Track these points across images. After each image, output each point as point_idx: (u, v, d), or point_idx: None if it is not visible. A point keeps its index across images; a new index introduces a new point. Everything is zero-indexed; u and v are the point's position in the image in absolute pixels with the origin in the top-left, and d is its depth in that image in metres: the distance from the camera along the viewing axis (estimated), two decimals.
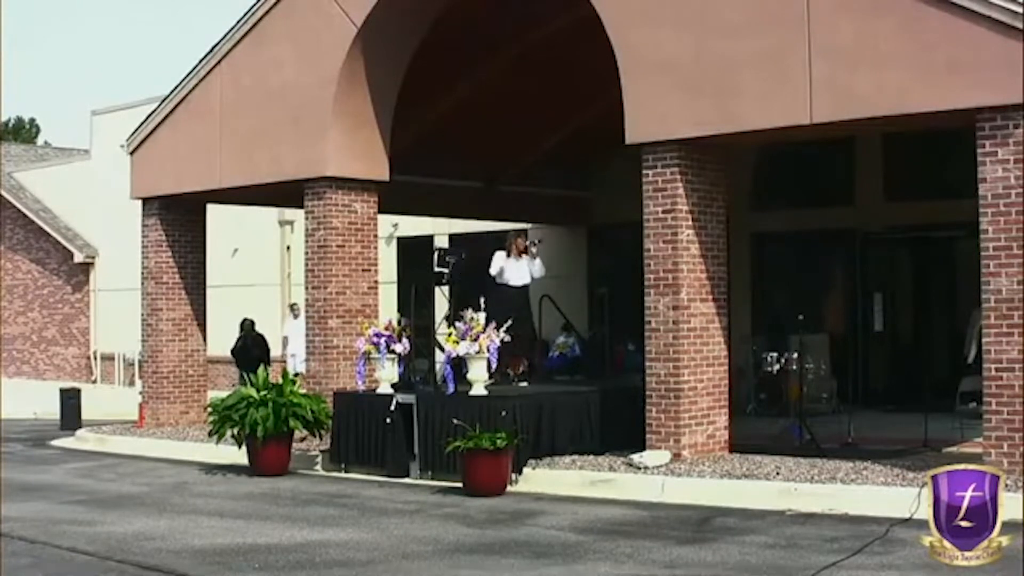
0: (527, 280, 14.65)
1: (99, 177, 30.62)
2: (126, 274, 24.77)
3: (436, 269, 16.22)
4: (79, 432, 19.84)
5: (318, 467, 14.76)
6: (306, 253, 16.67)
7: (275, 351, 22.69)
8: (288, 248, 26.34)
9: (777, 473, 11.93)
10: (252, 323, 21.19)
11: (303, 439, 15.05)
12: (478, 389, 13.37)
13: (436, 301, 17.07)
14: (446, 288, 17.06)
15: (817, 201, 19.51)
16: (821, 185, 19.56)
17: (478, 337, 13.22)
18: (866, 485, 11.19)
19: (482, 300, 13.78)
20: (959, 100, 11.28)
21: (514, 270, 14.58)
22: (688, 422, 13.07)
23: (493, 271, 14.67)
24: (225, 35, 17.48)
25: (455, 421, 12.75)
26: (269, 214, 24.93)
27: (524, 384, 14.63)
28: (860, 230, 19.05)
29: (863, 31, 11.82)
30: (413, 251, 24.34)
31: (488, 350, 13.25)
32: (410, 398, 13.80)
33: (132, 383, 28.47)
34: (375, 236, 16.91)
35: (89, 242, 32.37)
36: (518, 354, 14.99)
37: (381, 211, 16.93)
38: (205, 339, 19.37)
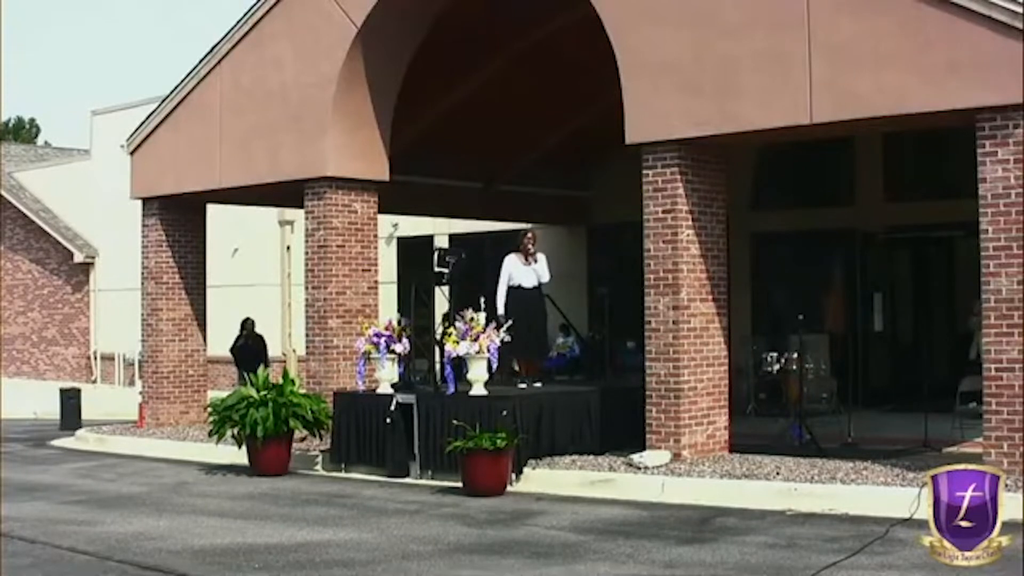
0: (535, 282, 14.62)
1: (99, 177, 30.63)
2: (126, 274, 24.78)
3: (436, 269, 16.20)
4: (79, 432, 19.84)
5: (318, 467, 14.76)
6: (306, 253, 16.68)
7: (276, 351, 22.71)
8: (288, 248, 26.35)
9: (777, 473, 11.92)
10: (253, 323, 21.22)
11: (303, 439, 15.05)
12: (478, 389, 13.37)
13: (436, 301, 17.04)
14: (446, 288, 17.05)
15: (817, 201, 19.51)
16: (821, 185, 19.56)
17: (478, 337, 13.22)
18: (866, 485, 11.19)
19: (482, 300, 13.77)
20: (959, 100, 11.28)
21: (523, 273, 14.56)
22: (688, 422, 13.06)
23: (500, 291, 14.54)
24: (225, 35, 17.49)
25: (455, 421, 12.76)
26: (269, 214, 24.94)
27: (539, 384, 14.60)
28: (860, 230, 19.04)
29: (863, 31, 11.82)
30: (413, 251, 24.35)
31: (488, 350, 13.25)
32: (410, 398, 13.81)
33: (132, 383, 28.48)
34: (375, 236, 16.91)
35: (89, 242, 32.38)
36: (531, 357, 15.01)
37: (381, 211, 16.93)
38: (205, 339, 19.37)
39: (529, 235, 14.97)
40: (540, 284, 14.67)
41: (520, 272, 14.55)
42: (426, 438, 13.47)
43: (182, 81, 18.10)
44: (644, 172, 13.27)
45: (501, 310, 14.27)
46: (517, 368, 15.13)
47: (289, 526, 10.88)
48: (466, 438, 12.42)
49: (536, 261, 14.58)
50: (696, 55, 12.93)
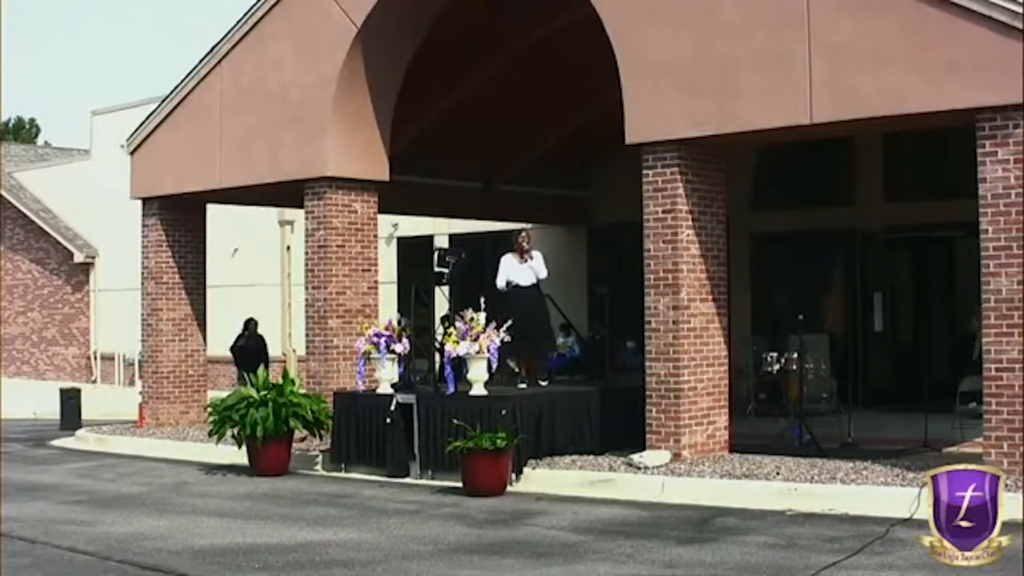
0: (532, 280, 14.62)
1: (99, 177, 30.63)
2: (126, 274, 24.78)
3: (436, 269, 16.21)
4: (79, 432, 19.84)
5: (318, 467, 14.76)
6: (306, 253, 16.67)
7: (276, 351, 22.70)
8: (288, 248, 26.34)
9: (777, 473, 11.92)
10: (257, 324, 21.22)
11: (303, 439, 15.05)
12: (478, 389, 13.37)
13: (436, 301, 17.05)
14: (446, 288, 17.05)
15: (817, 201, 19.51)
16: (821, 185, 19.56)
17: (478, 337, 13.22)
18: (866, 485, 11.19)
19: (482, 300, 13.77)
20: (959, 100, 11.28)
21: (519, 271, 14.57)
22: (688, 422, 13.06)
23: (500, 281, 14.57)
24: (225, 35, 17.49)
25: (455, 421, 12.76)
26: (269, 214, 24.94)
27: (545, 383, 14.59)
28: (860, 230, 19.05)
29: (863, 31, 11.82)
30: (413, 251, 24.35)
31: (488, 350, 13.25)
32: (410, 398, 13.81)
33: (132, 383, 28.48)
34: (375, 236, 16.91)
35: (89, 242, 32.38)
36: (532, 357, 15.00)
37: (381, 211, 16.93)
38: (205, 339, 19.36)
39: (523, 234, 14.99)
40: (538, 282, 14.68)
41: (516, 271, 14.56)
42: (426, 438, 13.47)
43: (182, 81, 18.10)
44: (644, 172, 13.27)
45: (502, 284, 14.33)
46: (518, 369, 15.13)
47: (289, 526, 10.88)
48: (466, 438, 12.42)
49: (531, 259, 14.58)
50: (696, 55, 12.93)
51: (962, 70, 11.23)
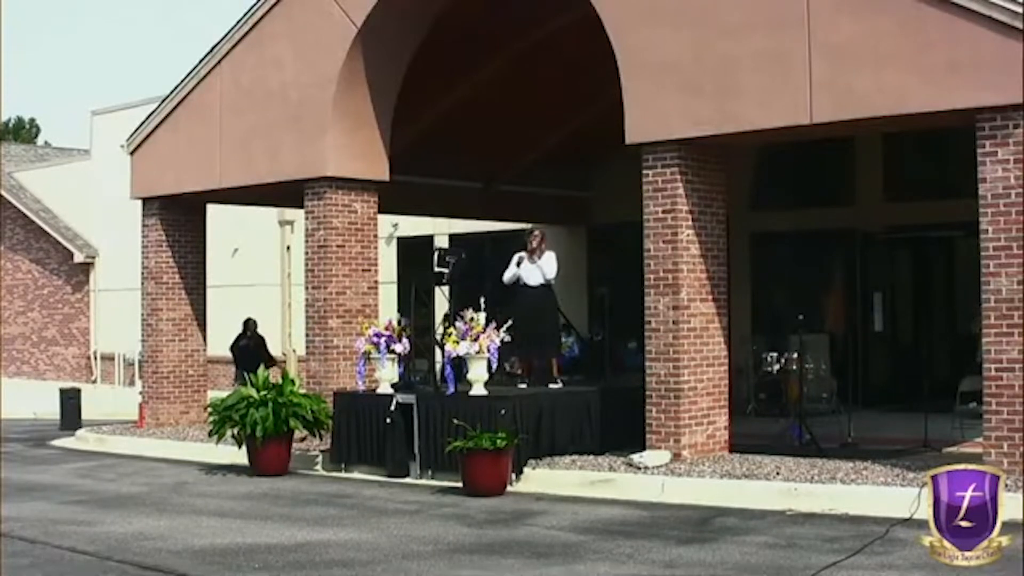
0: (540, 280, 14.57)
1: (99, 177, 30.63)
2: (126, 274, 24.78)
3: (436, 269, 16.21)
4: (79, 432, 19.84)
5: (318, 467, 14.76)
6: (306, 253, 16.68)
7: (276, 351, 22.69)
8: (288, 248, 26.34)
9: (777, 473, 11.93)
10: (256, 323, 21.21)
11: (303, 439, 15.06)
12: (478, 389, 13.37)
13: (436, 301, 17.04)
14: (446, 288, 17.05)
15: (817, 201, 19.51)
16: (821, 185, 19.57)
17: (478, 337, 13.22)
18: (866, 485, 11.19)
19: (482, 300, 13.77)
20: (959, 100, 11.28)
21: (528, 271, 14.55)
22: (688, 422, 13.07)
23: (507, 276, 14.58)
24: (225, 35, 17.49)
25: (455, 421, 12.76)
26: (269, 214, 24.93)
27: (558, 385, 14.53)
28: (860, 230, 19.05)
29: (863, 31, 11.82)
30: (413, 251, 24.34)
31: (488, 350, 13.25)
32: (410, 398, 13.81)
33: (132, 383, 28.47)
34: (375, 236, 16.91)
35: (89, 242, 32.38)
36: (533, 357, 14.97)
37: (381, 211, 16.93)
38: (205, 339, 19.37)
39: (535, 233, 14.98)
40: (546, 281, 14.62)
41: (526, 270, 14.55)
42: (426, 438, 13.47)
43: (182, 81, 18.10)
44: (644, 172, 13.27)
45: (507, 278, 14.44)
46: (519, 371, 15.11)
47: (289, 526, 10.89)
48: (466, 438, 12.42)
49: (540, 258, 14.55)
50: (696, 55, 12.93)
51: (962, 70, 11.23)
